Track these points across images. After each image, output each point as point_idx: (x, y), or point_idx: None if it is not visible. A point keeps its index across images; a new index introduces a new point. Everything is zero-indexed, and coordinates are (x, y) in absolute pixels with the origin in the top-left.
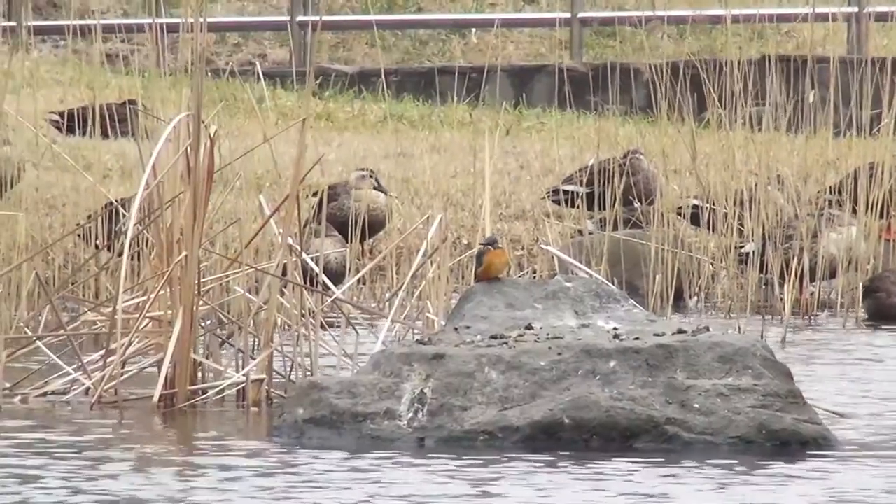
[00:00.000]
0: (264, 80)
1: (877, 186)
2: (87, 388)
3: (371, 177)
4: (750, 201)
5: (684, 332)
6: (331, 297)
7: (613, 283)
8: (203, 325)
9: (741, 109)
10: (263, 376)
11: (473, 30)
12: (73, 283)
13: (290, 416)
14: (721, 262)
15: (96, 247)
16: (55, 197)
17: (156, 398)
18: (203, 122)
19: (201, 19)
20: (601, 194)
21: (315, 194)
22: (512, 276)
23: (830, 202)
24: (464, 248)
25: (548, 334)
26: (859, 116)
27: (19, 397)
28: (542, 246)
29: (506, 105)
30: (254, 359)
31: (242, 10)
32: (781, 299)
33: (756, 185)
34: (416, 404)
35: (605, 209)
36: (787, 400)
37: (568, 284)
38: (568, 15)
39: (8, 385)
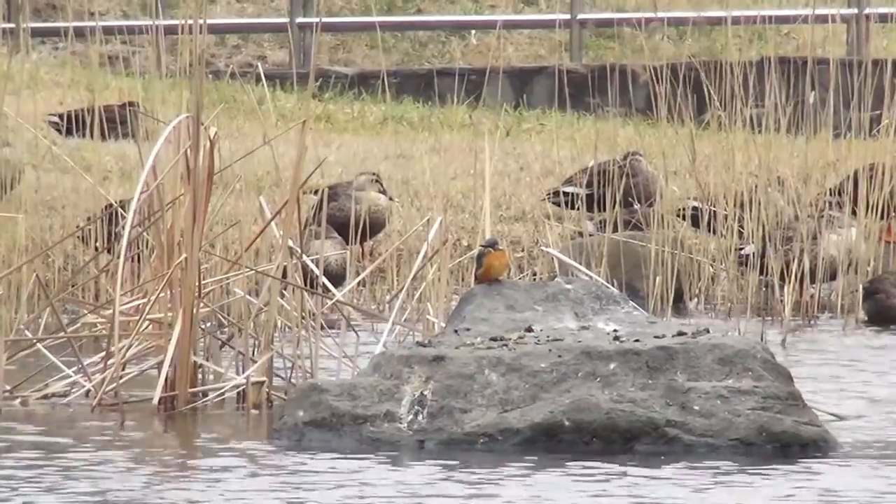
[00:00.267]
0: (264, 81)
1: (877, 188)
2: (88, 391)
3: (377, 181)
4: (750, 203)
5: (684, 334)
6: (331, 299)
7: (613, 285)
8: (203, 327)
9: (741, 111)
10: (263, 378)
11: (473, 31)
12: (73, 286)
13: (291, 419)
14: (721, 263)
15: (96, 249)
16: (55, 199)
17: (156, 400)
18: (203, 124)
19: (201, 21)
20: (601, 196)
21: (315, 193)
22: (512, 277)
23: (830, 204)
24: (464, 249)
25: (548, 336)
26: (859, 118)
27: (19, 399)
28: (542, 248)
29: (505, 107)
30: (254, 361)
31: (242, 12)
32: (781, 301)
33: (756, 186)
34: (416, 406)
35: (604, 211)
36: (788, 402)
37: (568, 286)
38: (567, 16)
39: (8, 387)
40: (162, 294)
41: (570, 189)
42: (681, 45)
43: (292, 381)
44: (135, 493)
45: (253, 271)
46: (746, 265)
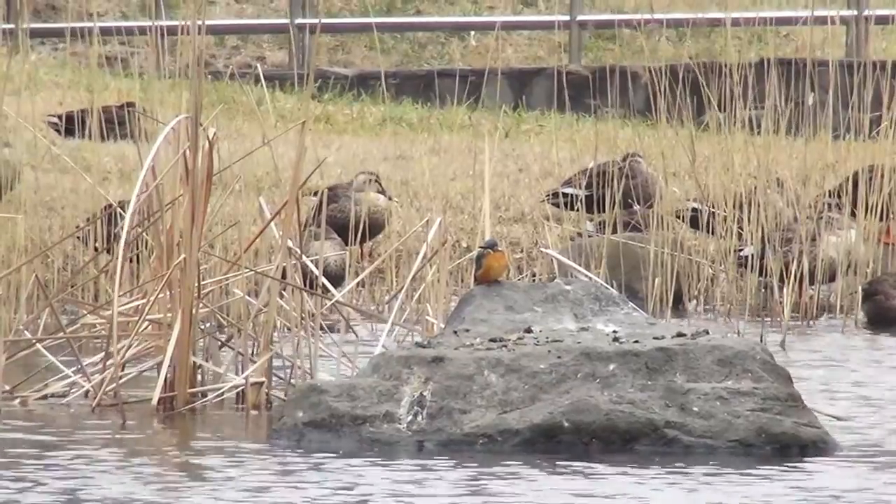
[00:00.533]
0: (264, 82)
1: (876, 190)
2: (87, 391)
3: (375, 181)
4: (749, 204)
5: (684, 335)
6: (330, 299)
7: (613, 287)
8: (202, 327)
9: (740, 112)
10: (263, 379)
11: (472, 33)
12: (72, 286)
13: (290, 419)
14: (720, 265)
15: (95, 249)
16: (54, 199)
17: (155, 401)
18: (202, 125)
19: (200, 22)
20: (600, 197)
21: (315, 194)
22: (511, 279)
23: (830, 205)
24: (463, 250)
25: (547, 337)
26: (858, 120)
27: (19, 400)
28: (542, 249)
29: (505, 108)
30: (253, 361)
31: (241, 13)
32: (781, 302)
33: (755, 188)
34: (415, 407)
35: (604, 212)
36: (787, 403)
37: (567, 287)
38: (567, 18)
39: (7, 387)
40: (161, 294)
41: (569, 190)
42: (680, 47)
43: (291, 381)
44: (134, 493)
45: (252, 272)
46: (746, 266)
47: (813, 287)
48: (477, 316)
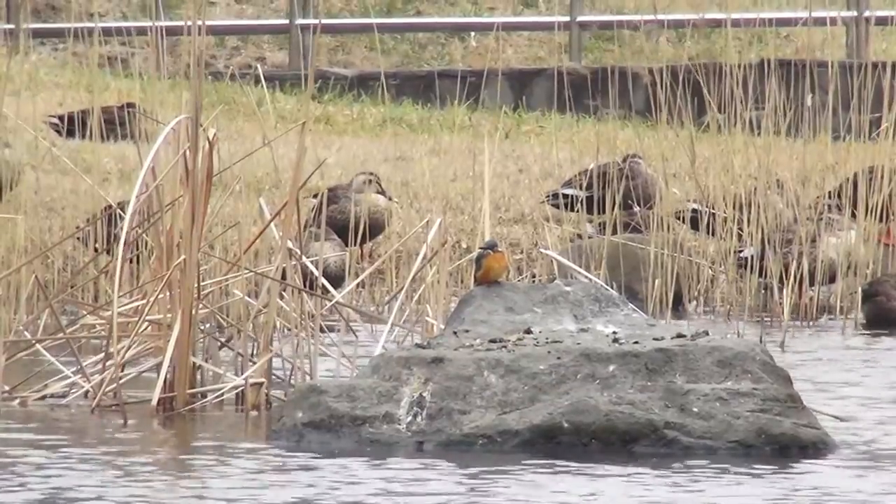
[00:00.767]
0: (264, 83)
1: (876, 191)
2: (87, 392)
3: (375, 182)
4: (749, 205)
5: (683, 336)
6: (330, 300)
7: (612, 288)
8: (202, 328)
9: (740, 113)
10: (262, 380)
11: (472, 33)
12: (72, 287)
13: (289, 420)
14: (720, 266)
15: (95, 250)
16: (54, 200)
17: (155, 401)
18: (202, 125)
19: (200, 22)
20: (600, 198)
21: (315, 196)
22: (511, 279)
23: (830, 206)
24: (463, 251)
25: (547, 338)
26: (858, 121)
27: (18, 400)
28: (542, 250)
29: (505, 109)
30: (253, 362)
31: (241, 14)
32: (780, 303)
33: (755, 189)
34: (415, 408)
35: (604, 213)
36: (787, 404)
37: (567, 288)
38: (567, 18)
39: (7, 388)
40: (161, 295)
41: (569, 191)
42: (680, 48)
43: (291, 382)
44: (134, 493)
45: (252, 273)
46: (746, 267)
47: (813, 288)
48: (477, 317)
